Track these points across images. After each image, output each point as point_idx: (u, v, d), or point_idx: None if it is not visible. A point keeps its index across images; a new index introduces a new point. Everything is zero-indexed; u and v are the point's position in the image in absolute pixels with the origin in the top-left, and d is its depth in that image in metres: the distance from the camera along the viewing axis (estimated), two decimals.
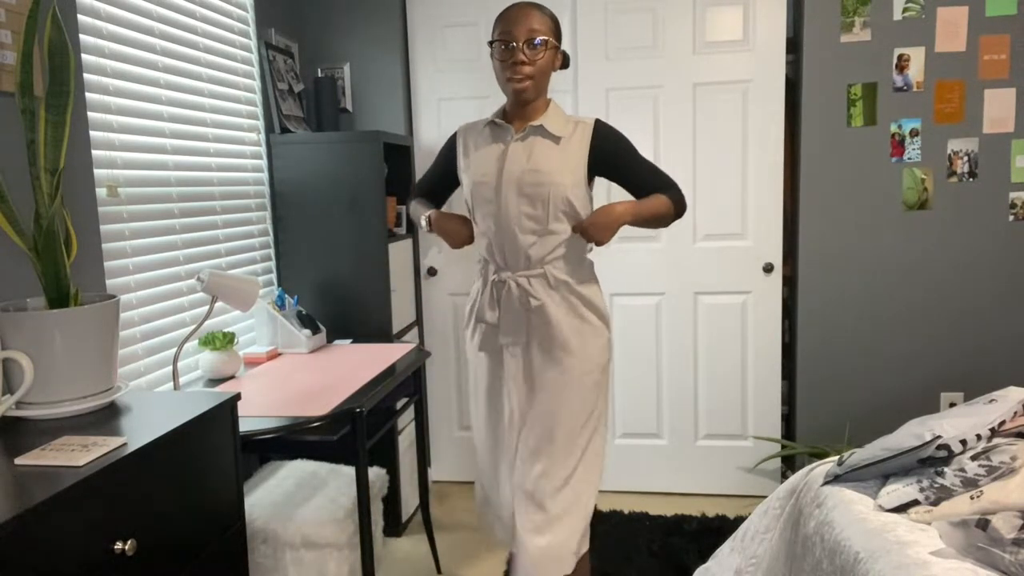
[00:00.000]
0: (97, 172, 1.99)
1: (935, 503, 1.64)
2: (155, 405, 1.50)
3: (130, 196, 2.13)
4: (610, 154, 1.91)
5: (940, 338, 3.07)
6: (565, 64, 1.95)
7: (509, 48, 1.81)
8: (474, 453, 2.13)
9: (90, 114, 1.97)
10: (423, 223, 2.02)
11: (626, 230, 3.21)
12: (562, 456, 1.89)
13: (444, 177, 2.10)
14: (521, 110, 1.90)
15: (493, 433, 2.02)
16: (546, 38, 1.82)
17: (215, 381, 2.31)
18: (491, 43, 1.86)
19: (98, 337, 1.45)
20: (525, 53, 1.80)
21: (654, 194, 1.91)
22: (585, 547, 1.97)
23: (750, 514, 2.21)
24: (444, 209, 2.15)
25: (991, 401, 1.84)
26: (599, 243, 1.85)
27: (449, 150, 2.06)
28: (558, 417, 1.89)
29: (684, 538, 2.83)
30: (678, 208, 1.92)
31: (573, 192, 1.86)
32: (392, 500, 2.90)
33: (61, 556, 1.09)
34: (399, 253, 3.09)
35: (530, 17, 1.81)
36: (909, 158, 3.00)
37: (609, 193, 3.17)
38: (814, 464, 2.05)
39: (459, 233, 1.95)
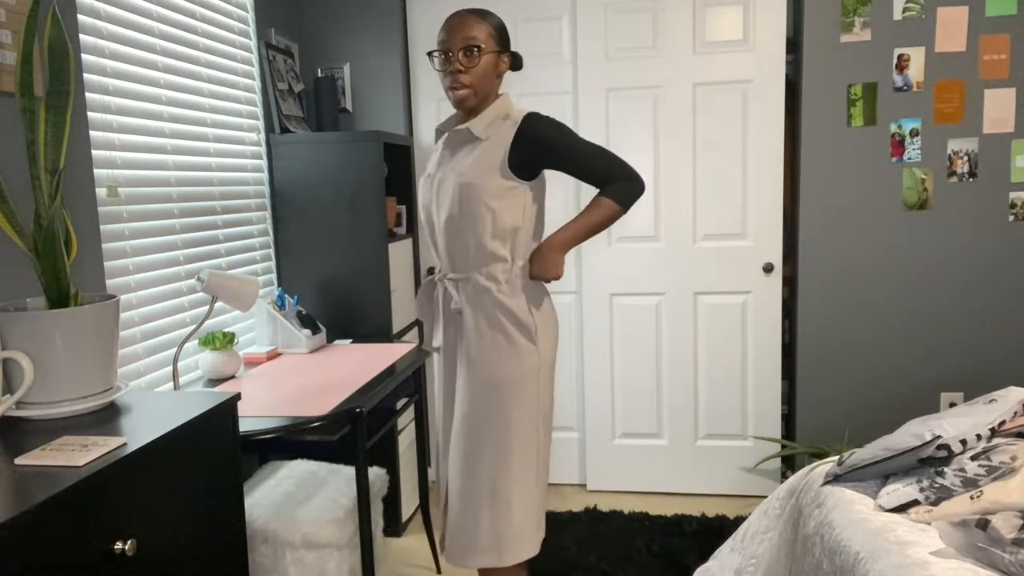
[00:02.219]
0: (97, 172, 1.99)
1: (935, 503, 1.64)
2: (155, 405, 1.50)
3: (130, 196, 2.13)
4: (538, 149, 1.83)
5: (940, 338, 3.07)
6: (516, 66, 1.94)
7: (447, 58, 1.82)
8: None
9: (90, 114, 1.97)
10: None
11: (627, 229, 3.21)
12: (462, 466, 1.87)
13: None
14: (466, 115, 1.91)
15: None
16: (481, 45, 1.81)
17: (215, 381, 2.31)
18: (430, 53, 1.86)
19: (98, 337, 1.45)
20: (461, 62, 1.81)
21: (595, 200, 1.87)
22: (488, 562, 1.88)
23: (750, 514, 2.21)
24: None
25: (991, 401, 1.84)
26: (551, 280, 1.87)
27: None
28: (462, 427, 1.88)
29: (684, 538, 2.83)
30: (624, 200, 1.86)
31: (489, 193, 1.81)
32: (392, 500, 2.90)
33: (61, 556, 1.09)
34: (399, 253, 3.09)
35: (466, 25, 1.81)
36: (909, 158, 3.00)
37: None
38: (814, 464, 2.05)
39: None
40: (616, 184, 1.85)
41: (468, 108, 1.87)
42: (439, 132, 1.99)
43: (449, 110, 3.31)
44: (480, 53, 1.81)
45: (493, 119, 1.88)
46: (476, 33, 1.81)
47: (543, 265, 1.86)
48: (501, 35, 1.87)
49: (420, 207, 1.98)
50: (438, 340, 1.96)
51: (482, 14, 1.84)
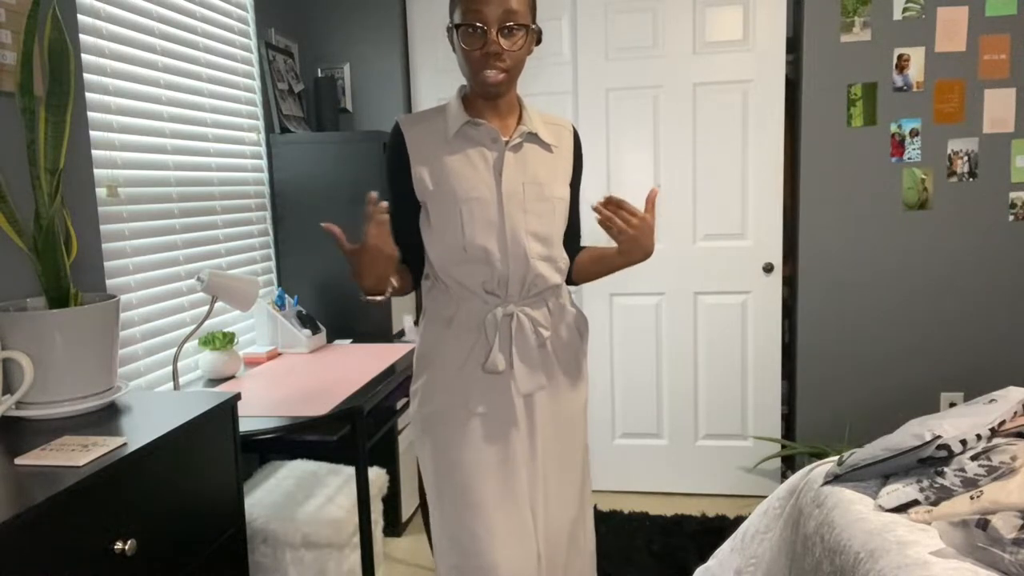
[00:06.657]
0: (97, 172, 1.99)
1: (935, 503, 1.64)
2: (155, 405, 1.50)
3: (130, 196, 2.13)
4: (580, 169, 1.70)
5: (940, 338, 3.07)
6: (538, 40, 1.59)
7: (478, 33, 1.45)
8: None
9: (90, 114, 1.97)
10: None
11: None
12: (584, 489, 1.73)
13: (411, 205, 1.60)
14: (491, 105, 1.57)
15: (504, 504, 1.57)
16: (525, 23, 1.47)
17: (215, 381, 2.31)
18: (456, 27, 1.48)
19: (98, 337, 1.45)
20: (500, 43, 1.45)
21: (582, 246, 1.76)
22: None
23: (750, 514, 2.21)
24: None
25: (991, 401, 1.84)
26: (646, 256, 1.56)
27: (400, 159, 1.57)
28: (579, 457, 1.71)
29: (684, 538, 2.83)
30: None
31: (566, 208, 1.65)
32: (392, 500, 2.90)
33: (61, 556, 1.09)
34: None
35: None
36: (909, 158, 3.00)
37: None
38: (814, 464, 2.05)
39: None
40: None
41: (499, 96, 1.54)
42: (472, 125, 1.55)
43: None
44: (525, 33, 1.48)
45: (543, 122, 1.63)
46: (517, 7, 1.45)
47: (648, 240, 1.52)
48: (535, 5, 1.56)
49: (464, 224, 1.53)
50: (502, 363, 1.55)
51: None
